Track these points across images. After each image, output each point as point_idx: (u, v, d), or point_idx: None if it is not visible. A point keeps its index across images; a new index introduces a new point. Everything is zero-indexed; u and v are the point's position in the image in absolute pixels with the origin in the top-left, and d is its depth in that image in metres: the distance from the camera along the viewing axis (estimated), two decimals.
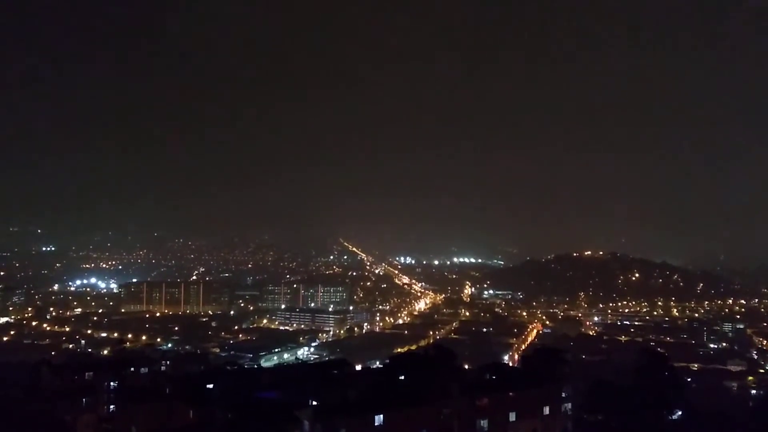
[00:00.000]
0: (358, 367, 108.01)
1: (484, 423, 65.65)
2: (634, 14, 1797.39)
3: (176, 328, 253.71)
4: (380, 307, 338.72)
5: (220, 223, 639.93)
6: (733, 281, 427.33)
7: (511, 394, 68.88)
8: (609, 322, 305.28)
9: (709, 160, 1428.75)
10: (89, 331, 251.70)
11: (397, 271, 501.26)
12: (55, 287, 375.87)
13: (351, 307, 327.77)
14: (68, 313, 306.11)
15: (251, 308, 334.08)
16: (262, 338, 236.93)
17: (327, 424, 56.32)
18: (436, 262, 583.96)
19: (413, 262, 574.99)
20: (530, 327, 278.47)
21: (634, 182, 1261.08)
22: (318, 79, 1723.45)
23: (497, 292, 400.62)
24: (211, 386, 71.45)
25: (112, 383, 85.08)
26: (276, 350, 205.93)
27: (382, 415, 58.00)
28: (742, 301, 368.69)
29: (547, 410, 70.79)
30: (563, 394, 73.54)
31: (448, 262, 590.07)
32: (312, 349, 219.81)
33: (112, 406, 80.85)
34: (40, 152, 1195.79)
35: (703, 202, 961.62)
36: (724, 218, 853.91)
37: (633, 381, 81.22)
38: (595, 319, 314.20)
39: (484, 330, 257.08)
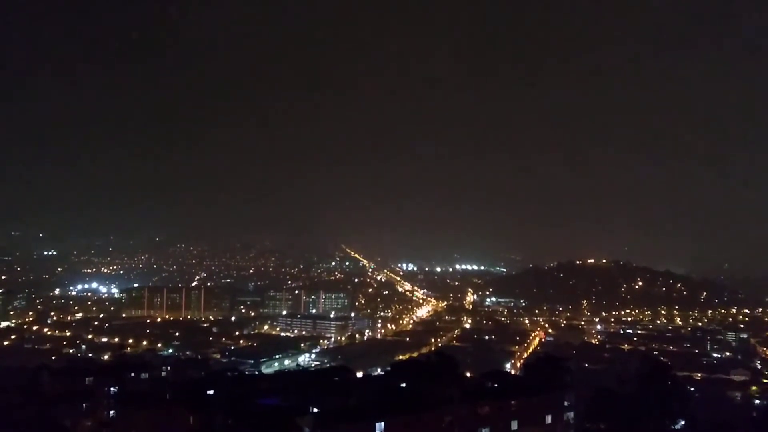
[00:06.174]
0: (360, 374, 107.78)
1: (485, 431, 65.34)
2: (635, 18, 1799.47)
3: (177, 334, 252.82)
4: (382, 313, 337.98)
5: (221, 229, 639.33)
6: (736, 290, 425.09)
7: (512, 402, 68.50)
8: (612, 330, 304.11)
9: (713, 169, 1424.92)
10: (90, 336, 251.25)
11: (399, 278, 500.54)
12: (56, 292, 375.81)
13: (353, 314, 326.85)
14: (69, 318, 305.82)
15: (252, 314, 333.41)
16: (263, 344, 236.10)
17: (328, 431, 56.06)
18: (439, 269, 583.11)
19: (415, 268, 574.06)
20: (533, 335, 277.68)
21: (638, 190, 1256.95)
22: (320, 83, 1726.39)
23: (499, 300, 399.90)
24: (211, 392, 71.27)
25: (112, 388, 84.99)
26: (277, 356, 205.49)
27: (383, 423, 57.68)
28: (746, 310, 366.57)
29: (549, 419, 70.44)
30: (565, 403, 73.20)
31: (451, 269, 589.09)
32: (313, 356, 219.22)
33: (112, 412, 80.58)
34: (41, 156, 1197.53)
35: (707, 211, 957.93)
36: (728, 227, 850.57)
37: (635, 390, 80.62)
38: (598, 327, 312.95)
39: (486, 338, 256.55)
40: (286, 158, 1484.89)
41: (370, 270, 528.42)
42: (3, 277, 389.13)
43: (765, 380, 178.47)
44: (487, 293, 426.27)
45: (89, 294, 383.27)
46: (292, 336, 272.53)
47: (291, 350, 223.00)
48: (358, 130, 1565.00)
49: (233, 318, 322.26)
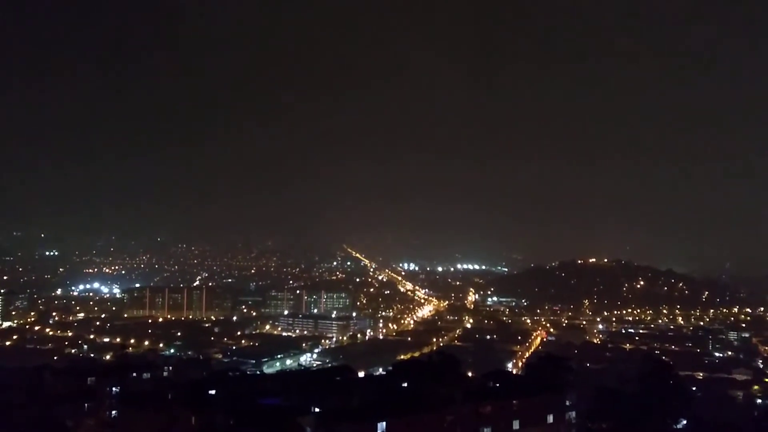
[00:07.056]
0: (361, 374, 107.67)
1: (487, 431, 65.38)
2: (636, 20, 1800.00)
3: (179, 334, 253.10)
4: (383, 313, 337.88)
5: (223, 229, 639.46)
6: (738, 289, 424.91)
7: (514, 401, 68.59)
8: (614, 330, 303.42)
9: (715, 168, 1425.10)
10: (92, 336, 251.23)
11: (400, 278, 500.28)
12: (58, 292, 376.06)
13: (354, 314, 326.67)
14: (71, 318, 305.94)
15: (254, 314, 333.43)
16: (265, 344, 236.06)
17: (329, 431, 56.05)
18: (440, 269, 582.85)
19: (417, 268, 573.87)
20: (534, 334, 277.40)
21: (640, 189, 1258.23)
22: (321, 83, 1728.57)
23: (501, 299, 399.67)
24: (213, 392, 71.39)
25: (114, 388, 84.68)
26: (279, 356, 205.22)
27: (384, 423, 57.74)
28: (748, 310, 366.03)
29: (551, 418, 70.46)
30: (567, 402, 73.22)
31: (452, 269, 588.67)
32: (315, 356, 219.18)
33: (113, 412, 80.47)
34: (42, 156, 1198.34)
35: (709, 210, 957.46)
36: (730, 226, 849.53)
37: (637, 389, 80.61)
38: (600, 326, 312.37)
39: (488, 337, 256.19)
40: (287, 158, 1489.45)
41: (372, 270, 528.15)
42: (5, 278, 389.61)
43: (767, 379, 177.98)
44: (489, 293, 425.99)
45: (91, 294, 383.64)
46: (293, 336, 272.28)
47: (292, 350, 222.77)
48: (360, 130, 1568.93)
49: (235, 318, 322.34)
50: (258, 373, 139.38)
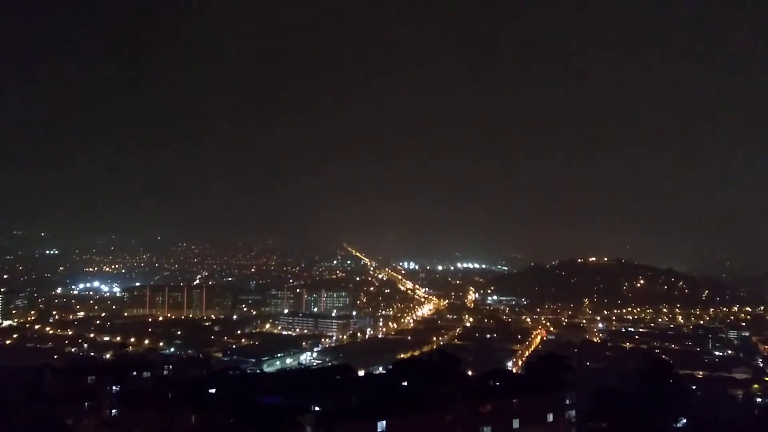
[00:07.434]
0: (361, 373, 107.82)
1: (487, 430, 65.36)
2: (637, 18, 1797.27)
3: (179, 333, 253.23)
4: (383, 312, 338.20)
5: (223, 228, 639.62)
6: (738, 288, 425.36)
7: (514, 400, 68.57)
8: (613, 328, 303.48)
9: (715, 167, 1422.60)
10: (92, 335, 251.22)
11: (400, 276, 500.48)
12: (58, 291, 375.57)
13: (354, 312, 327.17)
14: (71, 317, 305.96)
15: (254, 313, 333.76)
16: (265, 343, 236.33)
17: (330, 430, 56.11)
18: (440, 268, 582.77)
19: (417, 267, 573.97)
20: (534, 333, 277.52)
21: (640, 188, 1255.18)
22: (322, 82, 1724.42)
23: (501, 298, 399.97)
24: (213, 391, 71.43)
25: (114, 387, 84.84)
26: (279, 355, 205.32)
27: (385, 421, 57.77)
28: (748, 309, 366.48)
29: (551, 417, 70.44)
30: (567, 401, 73.21)
31: (452, 268, 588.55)
32: (315, 354, 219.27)
33: (114, 411, 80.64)
34: (43, 155, 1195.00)
35: (708, 209, 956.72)
36: (730, 225, 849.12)
37: (637, 388, 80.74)
38: (600, 325, 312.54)
39: (488, 336, 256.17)
40: (287, 157, 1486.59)
41: (372, 268, 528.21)
42: (5, 276, 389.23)
43: (767, 378, 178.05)
44: (489, 291, 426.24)
45: (91, 293, 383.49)
46: (293, 335, 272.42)
47: (293, 349, 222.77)
48: (360, 129, 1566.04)
49: (235, 317, 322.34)
50: (258, 371, 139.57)
